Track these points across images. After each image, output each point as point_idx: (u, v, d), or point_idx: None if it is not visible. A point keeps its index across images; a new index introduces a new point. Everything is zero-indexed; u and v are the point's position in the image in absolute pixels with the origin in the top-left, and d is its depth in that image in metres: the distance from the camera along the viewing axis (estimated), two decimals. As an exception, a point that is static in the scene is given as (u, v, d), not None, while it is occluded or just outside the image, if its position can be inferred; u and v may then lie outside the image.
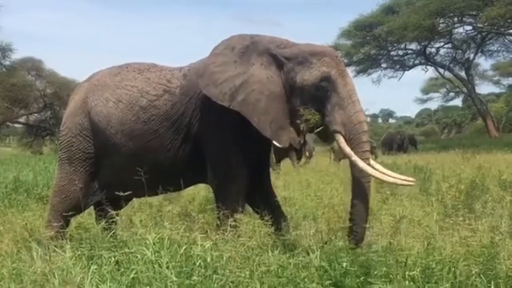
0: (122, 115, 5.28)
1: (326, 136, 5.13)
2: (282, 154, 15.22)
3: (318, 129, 4.96)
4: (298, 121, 4.94)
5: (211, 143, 5.14)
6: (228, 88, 4.98)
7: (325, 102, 4.88)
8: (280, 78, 5.04)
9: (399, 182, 4.94)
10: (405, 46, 41.30)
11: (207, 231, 4.62)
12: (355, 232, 4.72)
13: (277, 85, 5.02)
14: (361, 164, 4.71)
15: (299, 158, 16.07)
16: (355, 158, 4.73)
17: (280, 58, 5.05)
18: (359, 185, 4.82)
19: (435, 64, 42.36)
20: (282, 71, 5.05)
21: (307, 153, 16.36)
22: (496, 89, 53.33)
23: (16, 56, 39.84)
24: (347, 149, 4.78)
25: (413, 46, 41.18)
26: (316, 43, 5.34)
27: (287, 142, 5.05)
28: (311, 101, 4.90)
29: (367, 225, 4.82)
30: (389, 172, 4.94)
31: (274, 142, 5.09)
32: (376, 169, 4.86)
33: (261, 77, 5.02)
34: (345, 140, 4.82)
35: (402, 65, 43.16)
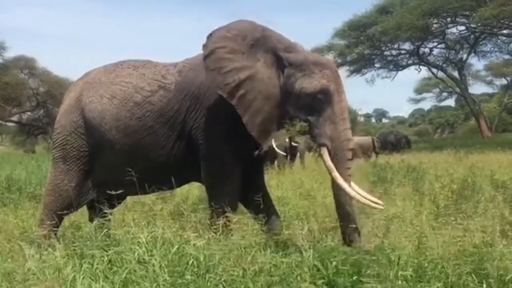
0: (116, 111, 5.27)
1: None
2: (270, 154, 15.13)
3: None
4: (286, 126, 4.99)
5: (205, 141, 5.14)
6: (232, 79, 4.94)
7: (318, 113, 4.92)
8: (278, 80, 5.04)
9: (371, 204, 4.94)
10: (399, 46, 41.36)
11: (200, 230, 4.61)
12: (347, 235, 4.79)
13: (275, 87, 5.02)
14: (340, 181, 4.78)
15: (291, 160, 16.00)
16: (335, 174, 4.80)
17: (284, 61, 5.03)
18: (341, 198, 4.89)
19: (429, 64, 42.46)
20: (282, 74, 5.04)
21: (292, 156, 16.21)
22: (489, 89, 53.61)
23: (9, 54, 39.75)
24: (329, 163, 4.84)
25: (407, 46, 41.28)
26: (319, 55, 5.40)
27: (268, 145, 5.09)
28: (304, 109, 4.94)
29: (357, 225, 4.87)
30: (363, 193, 4.96)
31: (259, 142, 5.10)
32: (353, 189, 4.89)
33: (263, 76, 5.00)
34: (330, 154, 4.87)
35: (395, 65, 43.25)
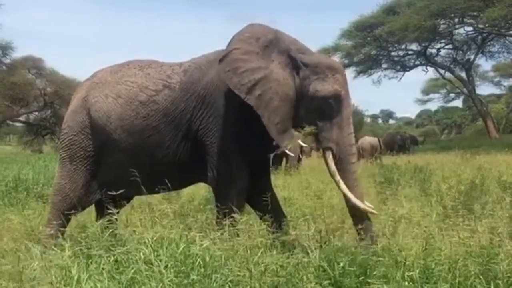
0: (121, 110, 5.28)
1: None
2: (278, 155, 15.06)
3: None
4: (298, 127, 5.06)
5: (212, 142, 5.14)
6: (247, 79, 4.98)
7: (327, 117, 5.00)
8: (293, 81, 5.08)
9: (368, 209, 5.00)
10: (406, 46, 41.25)
11: (205, 231, 4.61)
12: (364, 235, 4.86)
13: (290, 88, 5.06)
14: (342, 185, 4.92)
15: (298, 161, 15.99)
16: (337, 178, 4.94)
17: (299, 62, 5.08)
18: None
19: (436, 65, 42.33)
20: (298, 76, 5.08)
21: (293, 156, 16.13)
22: (496, 90, 53.33)
23: (17, 54, 39.87)
24: (333, 168, 4.98)
25: (414, 46, 41.19)
26: (331, 58, 5.41)
27: (288, 144, 5.09)
28: (315, 112, 5.01)
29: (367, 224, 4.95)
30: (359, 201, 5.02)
31: (277, 143, 5.11)
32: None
33: (279, 77, 5.04)
34: (334, 157, 4.98)
35: (402, 66, 43.12)
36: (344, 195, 4.96)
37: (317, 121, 5.01)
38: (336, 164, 4.98)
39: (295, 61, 5.09)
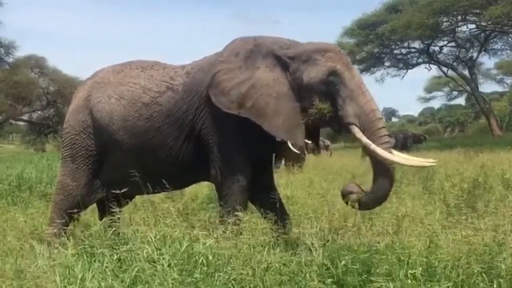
0: (124, 111, 5.28)
1: (340, 129, 5.10)
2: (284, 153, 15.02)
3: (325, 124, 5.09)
4: (309, 115, 4.92)
5: (215, 142, 5.15)
6: (235, 96, 4.99)
7: (335, 96, 4.89)
8: (286, 79, 5.05)
9: (421, 164, 5.00)
10: (409, 44, 41.24)
11: (209, 229, 4.62)
12: (366, 197, 4.77)
13: (284, 85, 5.02)
14: (380, 151, 4.69)
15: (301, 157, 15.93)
16: (373, 146, 4.71)
17: (285, 58, 5.06)
18: (383, 168, 4.76)
19: (439, 63, 42.27)
20: (288, 72, 5.05)
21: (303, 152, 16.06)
22: (499, 88, 53.18)
23: (20, 53, 39.94)
24: (364, 139, 4.76)
25: (417, 44, 41.13)
26: (318, 41, 5.31)
27: (303, 140, 5.04)
28: (321, 98, 4.90)
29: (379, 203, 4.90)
30: (409, 157, 4.97)
31: (289, 143, 5.06)
32: (396, 155, 4.84)
33: (268, 80, 5.02)
34: (361, 130, 4.81)
35: (405, 64, 43.09)
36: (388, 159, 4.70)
37: (329, 104, 4.86)
38: (365, 135, 4.76)
39: (281, 59, 5.07)
